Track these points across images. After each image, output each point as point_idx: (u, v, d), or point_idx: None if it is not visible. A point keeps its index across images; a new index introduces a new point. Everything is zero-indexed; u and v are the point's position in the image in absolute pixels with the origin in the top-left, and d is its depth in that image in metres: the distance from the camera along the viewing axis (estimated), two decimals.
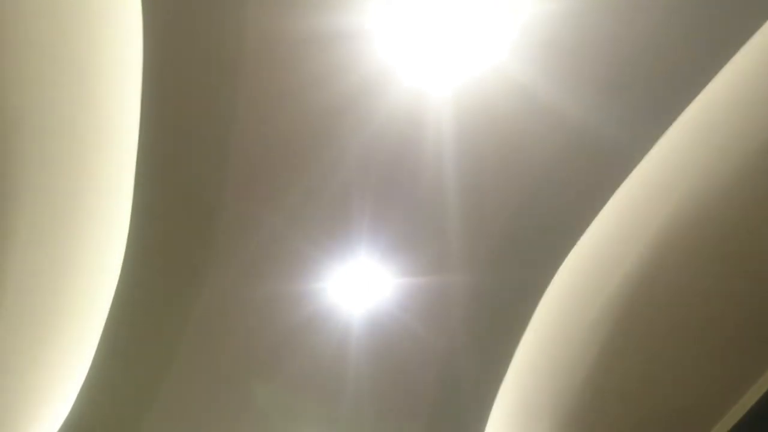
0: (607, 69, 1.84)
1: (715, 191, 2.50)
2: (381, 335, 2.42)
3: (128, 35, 1.93)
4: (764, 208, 2.35)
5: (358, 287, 2.31)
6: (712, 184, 2.51)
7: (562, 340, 2.98)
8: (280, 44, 1.75)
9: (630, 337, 3.00)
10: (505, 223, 2.24)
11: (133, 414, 2.54)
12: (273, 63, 1.79)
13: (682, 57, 1.83)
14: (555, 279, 2.51)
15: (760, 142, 2.19)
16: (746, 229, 2.56)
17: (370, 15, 1.74)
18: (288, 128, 1.94)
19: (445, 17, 1.78)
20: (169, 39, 1.73)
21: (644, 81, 1.86)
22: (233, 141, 1.94)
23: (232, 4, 1.73)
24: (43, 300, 2.52)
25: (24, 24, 1.78)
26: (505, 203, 2.20)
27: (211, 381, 2.51)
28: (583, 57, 1.82)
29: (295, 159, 2.02)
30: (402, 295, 2.35)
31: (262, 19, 1.75)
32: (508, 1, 1.74)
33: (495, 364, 2.61)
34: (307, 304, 2.32)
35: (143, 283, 2.21)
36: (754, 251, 2.64)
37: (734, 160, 2.37)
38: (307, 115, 1.91)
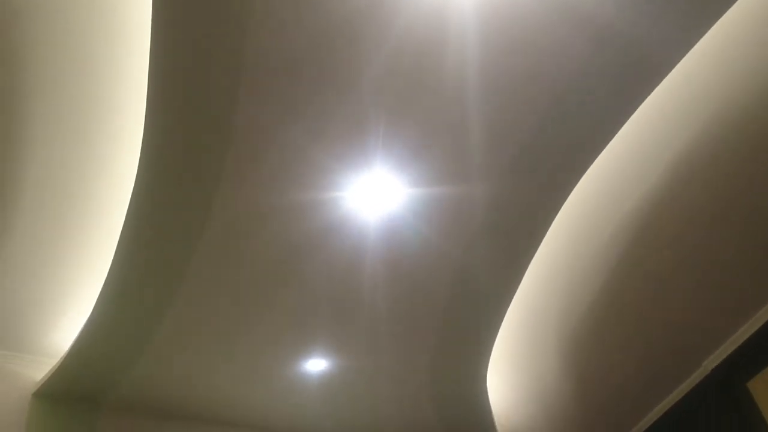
0: None
1: (744, 109, 2.43)
2: (397, 243, 2.43)
3: None
4: None
5: (376, 196, 2.30)
6: (742, 102, 2.44)
7: (576, 258, 2.99)
8: None
9: (642, 259, 3.01)
10: (526, 134, 2.20)
11: (151, 318, 2.59)
12: None
13: None
14: (573, 194, 2.49)
15: None
16: None
17: None
18: (306, 36, 1.87)
19: None
20: None
21: None
22: (248, 51, 1.88)
23: None
24: (61, 205, 2.54)
25: None
26: (527, 113, 2.14)
27: (229, 289, 2.54)
28: None
29: (313, 68, 1.96)
30: (418, 204, 2.33)
31: None
32: None
33: (509, 275, 2.63)
34: (324, 213, 2.31)
35: (158, 191, 2.20)
36: None
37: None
38: (327, 21, 1.83)
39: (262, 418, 3.11)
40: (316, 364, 2.88)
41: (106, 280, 2.43)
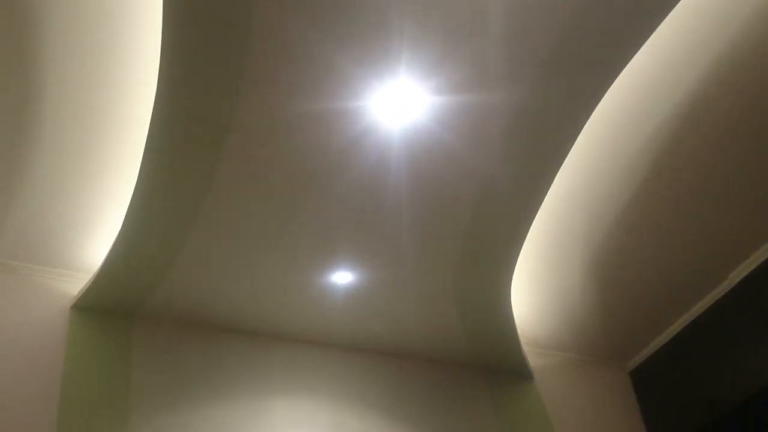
0: None
1: None
2: (421, 154, 2.40)
3: None
4: None
5: (400, 105, 2.26)
6: None
7: (604, 169, 2.94)
8: None
9: (671, 171, 2.95)
10: (555, 37, 2.11)
11: (179, 230, 2.63)
12: None
13: None
14: (601, 105, 2.42)
15: None
16: None
17: None
18: None
19: None
20: None
21: None
22: None
23: None
24: (86, 119, 2.55)
25: None
26: (557, 14, 2.05)
27: (254, 199, 2.55)
28: None
29: None
30: (444, 113, 2.29)
31: None
32: None
33: (535, 187, 2.60)
34: (348, 122, 2.28)
35: (180, 102, 2.19)
36: None
37: None
38: None
39: (290, 328, 3.19)
40: (342, 276, 2.92)
41: (133, 194, 2.47)
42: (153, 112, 2.19)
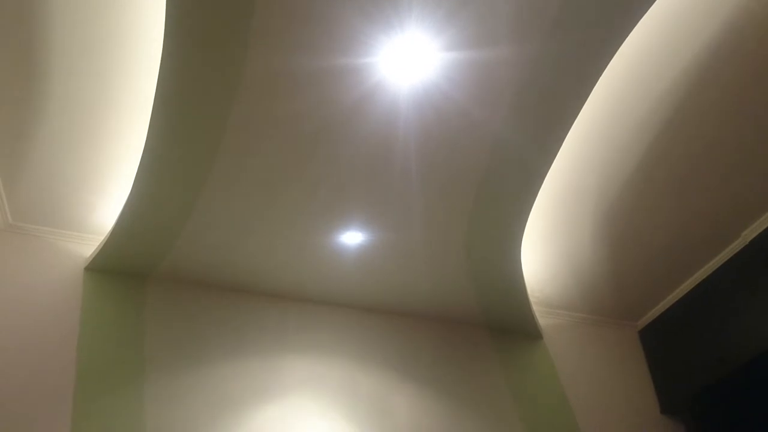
0: None
1: None
2: (430, 112, 2.37)
3: None
4: None
5: (409, 61, 2.22)
6: None
7: (617, 126, 2.89)
8: None
9: (685, 127, 2.90)
10: None
11: (189, 189, 2.63)
12: None
13: None
14: (613, 63, 2.36)
15: None
16: None
17: None
18: None
19: None
20: None
21: None
22: None
23: None
24: (94, 81, 2.53)
25: None
26: None
27: (263, 159, 2.55)
28: None
29: None
30: (453, 69, 2.25)
31: None
32: None
33: (546, 143, 2.57)
34: (357, 79, 2.25)
35: (187, 60, 2.17)
36: None
37: None
38: None
39: (301, 288, 3.22)
40: (352, 237, 2.93)
41: (143, 154, 2.46)
42: (160, 71, 2.17)
